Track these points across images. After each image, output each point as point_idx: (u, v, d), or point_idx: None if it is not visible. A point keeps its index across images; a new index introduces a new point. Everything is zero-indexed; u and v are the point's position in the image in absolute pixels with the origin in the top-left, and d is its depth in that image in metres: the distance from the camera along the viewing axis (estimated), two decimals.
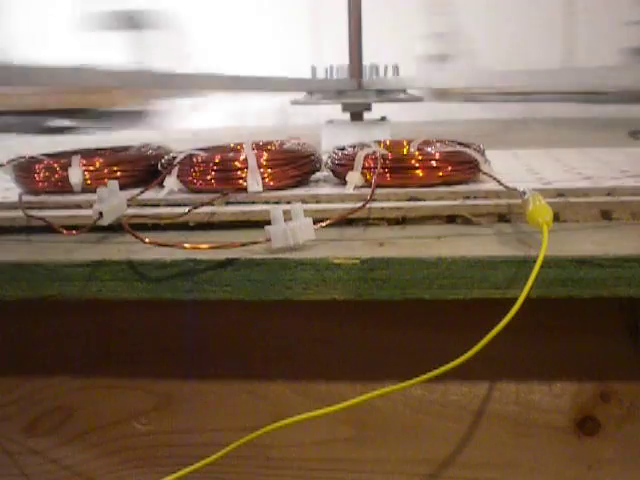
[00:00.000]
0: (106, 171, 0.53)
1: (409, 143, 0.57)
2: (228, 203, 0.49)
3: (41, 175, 0.53)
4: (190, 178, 0.51)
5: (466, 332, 0.38)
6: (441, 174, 0.49)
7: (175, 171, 0.51)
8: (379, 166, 0.49)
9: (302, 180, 0.52)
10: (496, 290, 0.39)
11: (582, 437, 0.46)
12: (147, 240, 0.42)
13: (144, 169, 0.55)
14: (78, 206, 0.50)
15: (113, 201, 0.46)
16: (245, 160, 0.50)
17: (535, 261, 0.37)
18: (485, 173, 0.50)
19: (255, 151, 0.51)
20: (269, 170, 0.50)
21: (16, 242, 0.47)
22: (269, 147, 0.57)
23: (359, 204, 0.45)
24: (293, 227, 0.41)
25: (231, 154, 0.52)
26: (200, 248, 0.41)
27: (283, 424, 0.39)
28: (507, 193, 0.46)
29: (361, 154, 0.50)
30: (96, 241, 0.46)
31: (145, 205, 0.49)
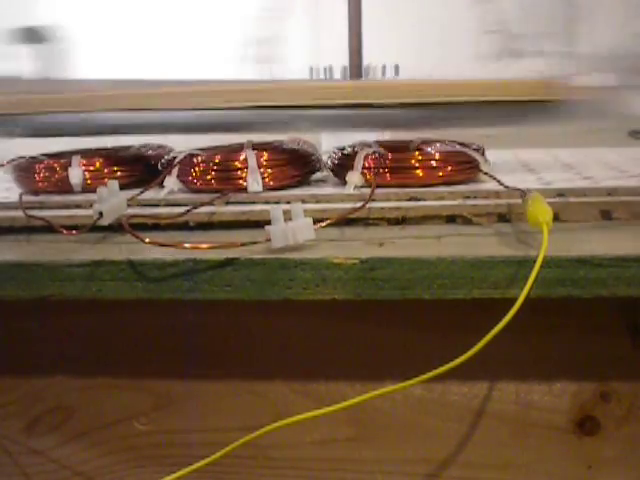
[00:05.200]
0: (106, 171, 0.53)
1: (409, 143, 0.57)
2: (228, 203, 0.49)
3: (41, 175, 0.53)
4: (190, 178, 0.51)
5: (466, 332, 0.38)
6: (441, 174, 0.49)
7: (175, 171, 0.51)
8: (379, 166, 0.49)
9: (302, 180, 0.52)
10: (496, 290, 0.39)
11: (582, 437, 0.46)
12: (147, 240, 0.42)
13: (144, 169, 0.55)
14: (78, 206, 0.50)
15: (113, 201, 0.46)
16: (245, 160, 0.50)
17: (535, 261, 0.37)
18: (485, 173, 0.50)
19: (255, 151, 0.51)
20: (269, 170, 0.50)
21: (16, 242, 0.47)
22: (269, 147, 0.57)
23: (359, 204, 0.45)
24: (293, 227, 0.41)
25: (231, 154, 0.52)
26: (200, 248, 0.41)
27: (283, 424, 0.39)
28: (507, 193, 0.46)
29: (361, 154, 0.50)
30: (96, 241, 0.46)
31: (145, 205, 0.49)
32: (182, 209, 0.47)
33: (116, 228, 0.46)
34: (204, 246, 0.41)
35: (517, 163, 0.61)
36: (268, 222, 0.41)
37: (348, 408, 0.38)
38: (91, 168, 0.53)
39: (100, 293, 0.41)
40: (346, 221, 0.46)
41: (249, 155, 0.50)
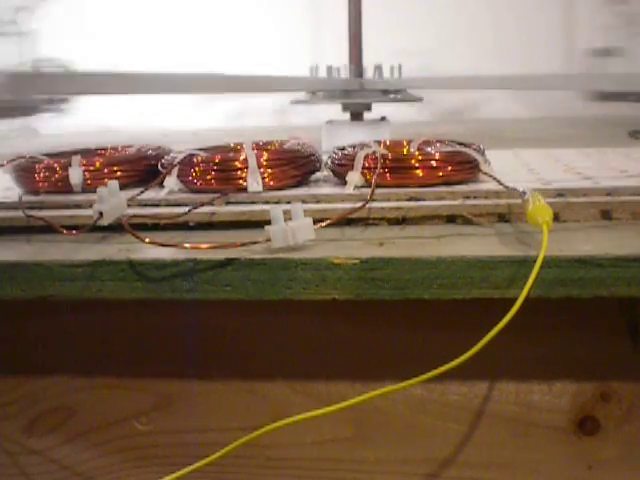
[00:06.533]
0: (106, 171, 0.53)
1: (409, 143, 0.57)
2: (228, 203, 0.49)
3: (41, 175, 0.53)
4: (190, 178, 0.51)
5: (466, 332, 0.38)
6: (441, 174, 0.49)
7: (175, 171, 0.51)
8: (379, 166, 0.49)
9: (302, 180, 0.52)
10: (496, 290, 0.39)
11: (582, 437, 0.46)
12: (147, 240, 0.42)
13: (144, 169, 0.55)
14: (78, 206, 0.50)
15: (113, 201, 0.46)
16: (245, 160, 0.50)
17: (535, 261, 0.37)
18: (485, 173, 0.50)
19: (255, 151, 0.51)
20: (269, 170, 0.50)
21: (16, 242, 0.47)
22: (269, 147, 0.57)
23: (359, 204, 0.45)
24: (293, 227, 0.41)
25: (231, 154, 0.52)
26: (200, 248, 0.41)
27: (283, 424, 0.39)
28: (507, 193, 0.46)
29: (361, 154, 0.50)
30: (96, 241, 0.46)
31: (145, 205, 0.49)
32: (182, 209, 0.47)
33: (116, 228, 0.46)
34: (204, 246, 0.41)
35: (517, 163, 0.61)
36: (268, 222, 0.41)
37: (348, 408, 0.38)
38: (91, 168, 0.53)
39: (100, 293, 0.41)
40: (346, 221, 0.46)
41: (249, 155, 0.50)
